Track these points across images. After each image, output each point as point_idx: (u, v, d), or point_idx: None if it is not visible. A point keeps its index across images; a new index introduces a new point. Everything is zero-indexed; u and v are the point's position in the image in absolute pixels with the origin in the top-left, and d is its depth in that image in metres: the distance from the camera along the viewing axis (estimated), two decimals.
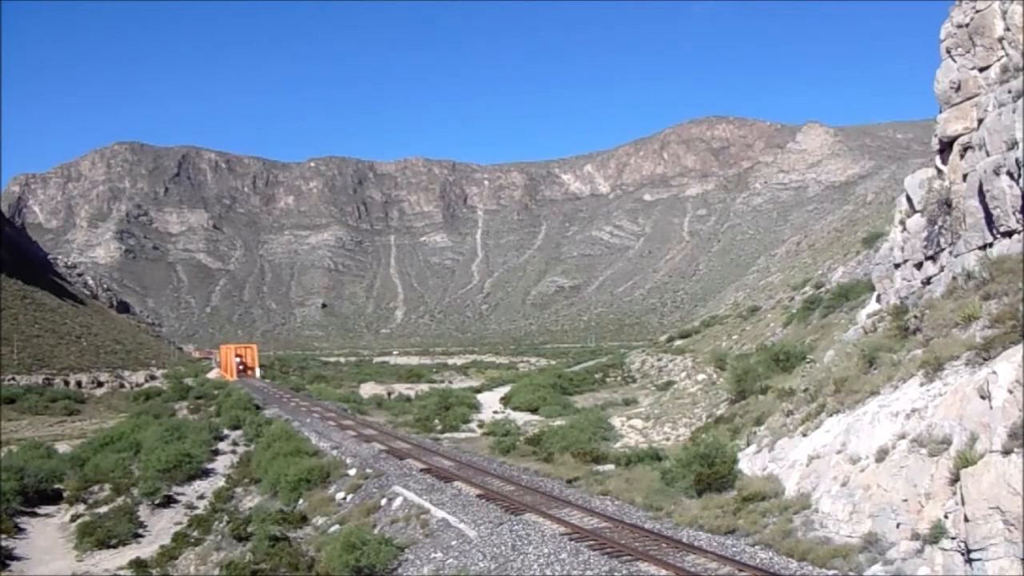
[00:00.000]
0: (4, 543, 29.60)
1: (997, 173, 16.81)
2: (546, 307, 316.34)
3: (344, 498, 25.95)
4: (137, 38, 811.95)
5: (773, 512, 16.32)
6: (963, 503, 11.57)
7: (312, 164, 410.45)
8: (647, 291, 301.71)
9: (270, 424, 46.17)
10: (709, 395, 55.70)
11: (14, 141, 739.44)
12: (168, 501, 35.21)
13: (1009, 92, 17.29)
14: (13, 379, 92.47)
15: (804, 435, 18.33)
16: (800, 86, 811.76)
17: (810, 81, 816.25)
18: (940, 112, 20.24)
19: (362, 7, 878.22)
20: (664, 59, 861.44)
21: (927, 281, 20.66)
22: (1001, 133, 17.03)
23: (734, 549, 15.32)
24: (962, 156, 19.22)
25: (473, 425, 50.37)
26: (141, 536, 31.45)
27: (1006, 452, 11.33)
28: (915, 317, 18.84)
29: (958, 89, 19.52)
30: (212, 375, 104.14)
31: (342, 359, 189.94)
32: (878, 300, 24.40)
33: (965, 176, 18.69)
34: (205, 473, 39.66)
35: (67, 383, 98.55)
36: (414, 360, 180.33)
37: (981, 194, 17.47)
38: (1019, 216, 16.35)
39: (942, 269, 19.83)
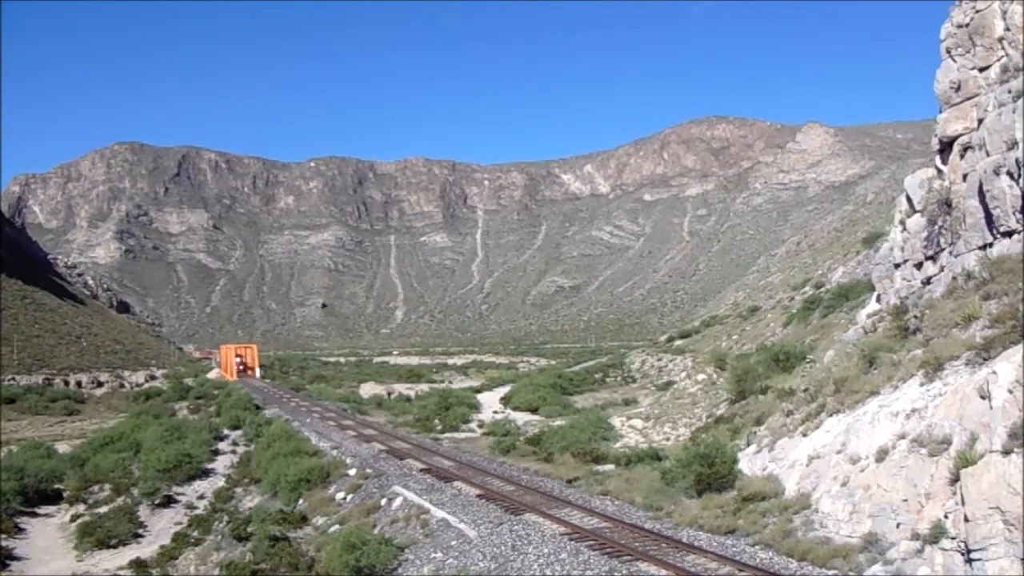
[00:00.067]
0: (4, 543, 29.60)
1: (997, 173, 16.80)
2: (546, 307, 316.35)
3: (344, 498, 25.94)
4: (137, 38, 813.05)
5: (773, 512, 16.32)
6: (963, 503, 11.57)
7: (312, 164, 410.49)
8: (647, 291, 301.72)
9: (270, 424, 46.17)
10: (709, 395, 55.70)
11: (14, 141, 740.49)
12: (168, 501, 35.21)
13: (1009, 92, 17.29)
14: (13, 379, 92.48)
15: (804, 435, 18.33)
16: (800, 86, 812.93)
17: (810, 81, 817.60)
18: (940, 112, 20.23)
19: (362, 7, 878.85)
20: (664, 59, 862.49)
21: (927, 281, 20.66)
22: (1001, 133, 17.03)
23: (734, 549, 15.32)
24: (962, 156, 19.21)
25: (473, 425, 50.37)
26: (141, 536, 31.45)
27: (1006, 452, 11.33)
28: (915, 317, 18.84)
29: (958, 89, 19.52)
30: (212, 375, 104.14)
31: (342, 359, 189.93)
32: (878, 300, 24.40)
33: (965, 176, 18.69)
34: (205, 473, 39.66)
35: (67, 383, 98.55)
36: (414, 360, 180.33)
37: (981, 194, 17.47)
38: (1019, 216, 16.34)
39: (942, 269, 19.83)
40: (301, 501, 27.60)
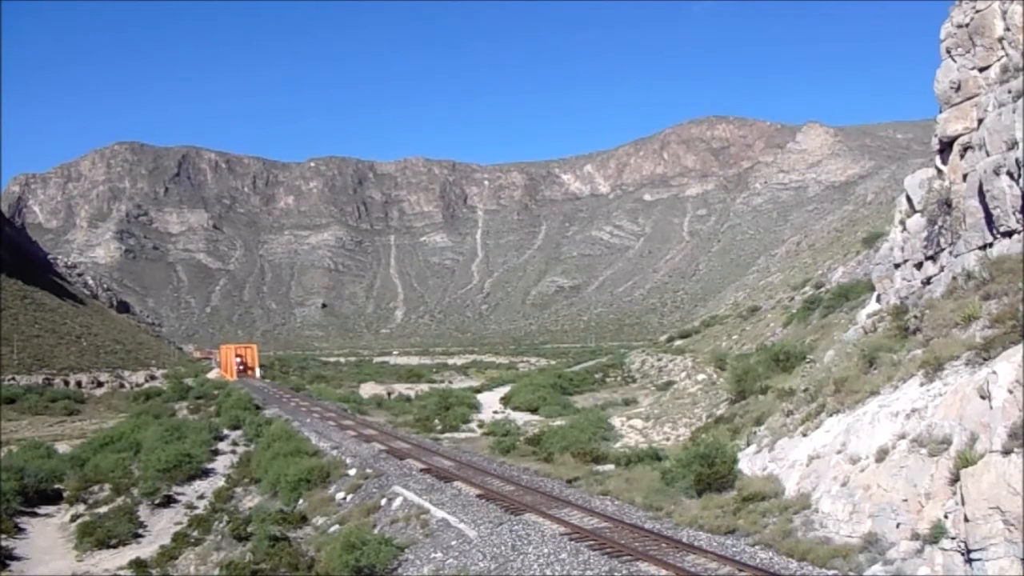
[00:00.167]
0: (4, 543, 29.59)
1: (997, 173, 16.80)
2: (546, 307, 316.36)
3: (344, 498, 25.94)
4: (137, 38, 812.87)
5: (773, 512, 16.32)
6: (963, 503, 11.57)
7: (312, 164, 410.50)
8: (647, 291, 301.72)
9: (270, 424, 46.17)
10: (709, 395, 55.70)
11: (14, 141, 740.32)
12: (168, 501, 35.21)
13: (1009, 92, 17.29)
14: (13, 379, 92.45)
15: (804, 435, 18.33)
16: (800, 86, 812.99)
17: (810, 81, 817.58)
18: (940, 112, 20.23)
19: (362, 7, 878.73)
20: (664, 59, 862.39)
21: (927, 281, 20.66)
22: (1001, 133, 17.03)
23: (734, 549, 15.32)
24: (962, 156, 19.21)
25: (473, 425, 50.37)
26: (141, 536, 31.44)
27: (1006, 452, 11.33)
28: (915, 317, 18.84)
29: (958, 89, 19.52)
30: (212, 375, 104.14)
31: (342, 359, 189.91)
32: (878, 300, 24.40)
33: (965, 176, 18.69)
34: (205, 473, 39.66)
35: (67, 383, 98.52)
36: (414, 360, 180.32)
37: (981, 194, 17.47)
38: (1019, 216, 16.34)
39: (942, 269, 19.83)
40: (301, 501, 27.60)
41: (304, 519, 24.98)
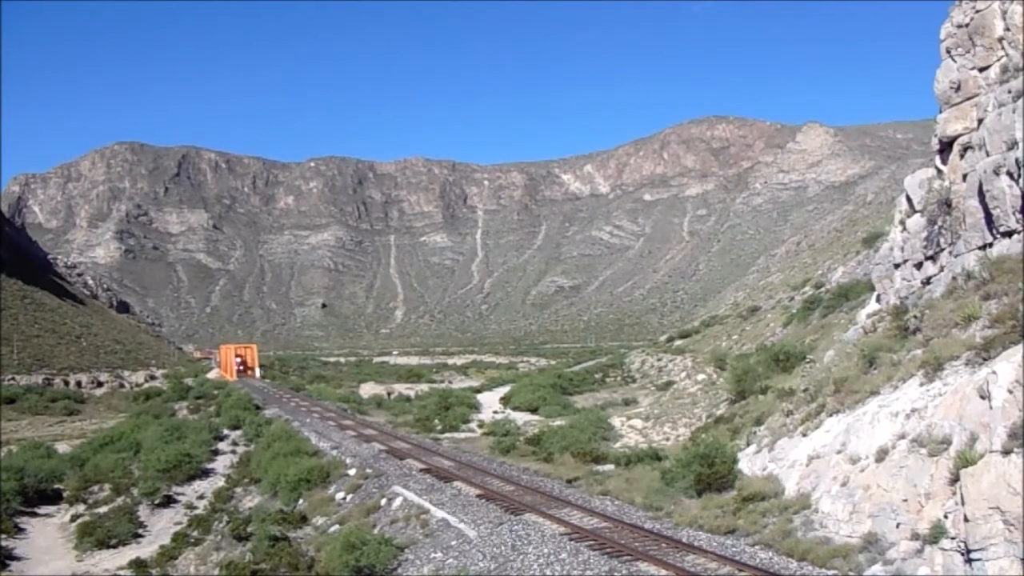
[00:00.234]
0: (4, 543, 29.59)
1: (997, 173, 16.80)
2: (546, 307, 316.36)
3: (344, 498, 25.94)
4: (137, 38, 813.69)
5: (773, 512, 16.32)
6: (963, 503, 11.57)
7: (312, 164, 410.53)
8: (647, 291, 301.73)
9: (270, 424, 46.16)
10: (709, 395, 55.69)
11: (14, 141, 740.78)
12: (168, 501, 35.20)
13: (1009, 92, 17.29)
14: (13, 379, 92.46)
15: (804, 435, 18.33)
16: (800, 86, 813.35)
17: (810, 81, 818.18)
18: (940, 112, 20.23)
19: (362, 7, 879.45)
20: (664, 59, 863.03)
21: (927, 281, 20.66)
22: (1001, 133, 17.03)
23: (734, 549, 15.32)
24: (962, 156, 19.21)
25: (473, 425, 50.36)
26: (141, 536, 31.44)
27: (1006, 452, 11.33)
28: (915, 317, 18.83)
29: (958, 89, 19.52)
30: (212, 375, 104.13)
31: (342, 359, 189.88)
32: (878, 300, 24.39)
33: (965, 176, 18.68)
34: (205, 473, 39.65)
35: (67, 383, 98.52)
36: (414, 360, 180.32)
37: (981, 194, 17.47)
38: (1019, 216, 16.34)
39: (942, 269, 19.82)
40: (301, 501, 27.59)
41: (304, 519, 24.98)
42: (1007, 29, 18.16)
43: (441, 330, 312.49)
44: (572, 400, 68.63)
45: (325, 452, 34.03)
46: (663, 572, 14.40)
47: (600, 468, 27.06)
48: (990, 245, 17.38)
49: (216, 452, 44.67)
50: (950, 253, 19.32)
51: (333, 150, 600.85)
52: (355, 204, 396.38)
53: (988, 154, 17.39)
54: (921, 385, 15.14)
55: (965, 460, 11.91)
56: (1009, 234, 16.68)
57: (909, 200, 22.26)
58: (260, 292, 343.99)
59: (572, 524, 18.08)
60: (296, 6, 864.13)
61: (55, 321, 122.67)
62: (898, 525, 13.14)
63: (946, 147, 20.12)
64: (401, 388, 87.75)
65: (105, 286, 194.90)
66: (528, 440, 37.10)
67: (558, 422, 49.88)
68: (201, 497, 35.81)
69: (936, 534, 12.14)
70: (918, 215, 21.59)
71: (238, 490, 34.69)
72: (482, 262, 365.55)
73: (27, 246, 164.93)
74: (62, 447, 51.27)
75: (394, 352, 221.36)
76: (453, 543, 17.99)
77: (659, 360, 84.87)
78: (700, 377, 64.81)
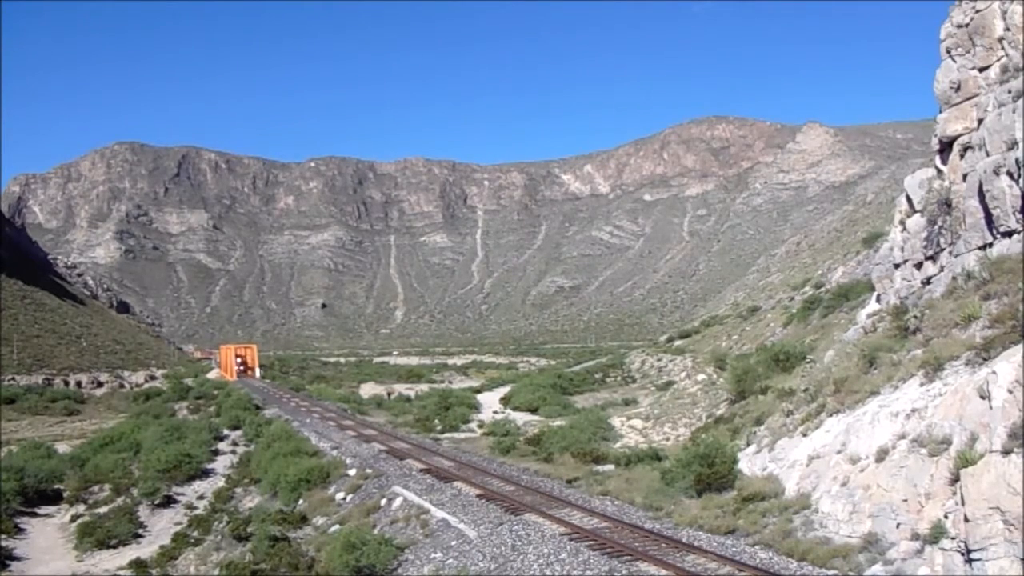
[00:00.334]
0: (4, 543, 29.58)
1: (997, 173, 16.80)
2: (546, 307, 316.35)
3: (344, 498, 25.94)
4: (137, 38, 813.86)
5: (773, 512, 16.31)
6: (963, 503, 11.57)
7: (312, 164, 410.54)
8: (647, 291, 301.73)
9: (270, 424, 46.17)
10: (709, 395, 55.69)
11: (14, 141, 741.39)
12: (168, 501, 35.19)
13: (1009, 92, 17.29)
14: (13, 379, 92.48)
15: (804, 435, 18.33)
16: (800, 86, 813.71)
17: (810, 81, 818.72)
18: (940, 112, 20.23)
19: (362, 7, 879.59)
20: (664, 59, 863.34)
21: (927, 281, 20.66)
22: (1001, 133, 17.02)
23: (734, 549, 15.32)
24: (962, 156, 19.21)
25: (473, 425, 50.35)
26: (141, 536, 31.42)
27: (1006, 452, 11.32)
28: (915, 317, 18.83)
29: (958, 89, 19.52)
30: (212, 375, 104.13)
31: (342, 359, 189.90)
32: (878, 300, 24.39)
33: (965, 176, 18.68)
34: (205, 473, 39.63)
35: (67, 383, 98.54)
36: (414, 360, 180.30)
37: (981, 194, 17.47)
38: (1019, 216, 16.34)
39: (942, 269, 19.82)
40: (301, 501, 27.59)
41: (304, 519, 24.98)
42: (1007, 29, 18.16)
43: (441, 330, 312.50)
44: (572, 400, 68.62)
45: (325, 452, 34.03)
46: (663, 572, 14.40)
47: (600, 468, 27.05)
48: (990, 245, 17.38)
49: (216, 452, 44.66)
50: (950, 253, 19.32)
51: (333, 150, 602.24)
52: (355, 204, 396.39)
53: (988, 154, 17.39)
54: (921, 385, 15.14)
55: (965, 460, 11.91)
56: (1009, 234, 16.68)
57: (909, 200, 22.26)
58: (260, 292, 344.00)
59: (572, 524, 18.08)
60: (296, 6, 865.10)
61: (55, 321, 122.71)
62: (898, 525, 13.14)
63: (946, 147, 20.11)
64: (401, 388, 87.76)
65: (105, 286, 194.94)
66: (528, 440, 37.09)
67: (558, 422, 49.88)
68: (201, 497, 35.80)
69: (936, 534, 12.14)
70: (918, 215, 21.59)
71: (238, 490, 34.68)
72: (482, 262, 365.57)
73: (27, 246, 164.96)
74: (62, 447, 51.25)
75: (394, 352, 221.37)
76: (453, 543, 17.99)
77: (659, 360, 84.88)
78: (700, 377, 64.81)
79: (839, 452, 15.84)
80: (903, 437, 14.10)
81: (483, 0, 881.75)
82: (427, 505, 21.43)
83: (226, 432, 50.39)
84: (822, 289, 66.77)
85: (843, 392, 18.08)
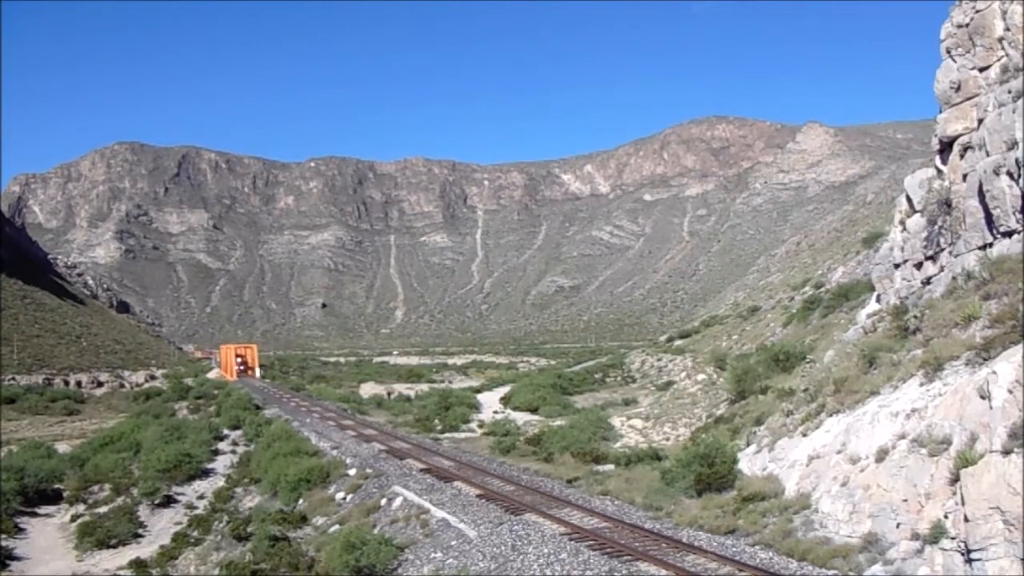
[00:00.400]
0: (4, 543, 29.59)
1: (997, 173, 16.80)
2: (546, 307, 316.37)
3: (344, 498, 25.94)
4: (137, 38, 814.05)
5: (773, 512, 16.31)
6: (963, 503, 11.57)
7: (312, 164, 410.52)
8: (647, 291, 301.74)
9: (270, 424, 46.17)
10: (709, 395, 55.70)
11: (14, 141, 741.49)
12: (168, 501, 35.19)
13: (1009, 92, 17.29)
14: (13, 379, 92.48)
15: (804, 435, 18.33)
16: (800, 86, 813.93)
17: (810, 81, 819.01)
18: (940, 112, 20.23)
19: (362, 7, 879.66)
20: (664, 59, 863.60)
21: (927, 281, 20.66)
22: (1001, 133, 17.02)
23: (734, 549, 15.32)
24: (962, 156, 19.21)
25: (473, 425, 50.37)
26: (141, 536, 31.43)
27: (1006, 452, 11.32)
28: (915, 317, 18.83)
29: (958, 89, 19.52)
30: (212, 375, 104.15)
31: (342, 359, 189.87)
32: (878, 300, 24.39)
33: (965, 176, 18.68)
34: (205, 473, 39.64)
35: (67, 383, 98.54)
36: (414, 360, 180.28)
37: (981, 194, 17.47)
38: (1019, 216, 16.34)
39: (942, 269, 19.82)
40: (301, 501, 27.59)
41: (304, 519, 24.98)
42: (1007, 29, 18.16)
43: (441, 330, 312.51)
44: (572, 400, 68.64)
45: (325, 452, 34.03)
46: (663, 572, 14.40)
47: (600, 468, 27.06)
48: (990, 245, 17.38)
49: (216, 452, 44.66)
50: (950, 253, 19.32)
51: (333, 150, 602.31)
52: (355, 204, 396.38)
53: (988, 154, 17.39)
54: (921, 385, 15.14)
55: (965, 460, 11.91)
56: (1009, 234, 16.68)
57: (909, 200, 22.26)
58: (260, 292, 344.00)
59: (572, 524, 18.08)
60: (296, 6, 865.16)
61: (55, 321, 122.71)
62: (898, 525, 13.14)
63: (946, 147, 20.12)
64: (401, 388, 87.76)
65: (105, 286, 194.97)
66: (528, 440, 37.11)
67: (558, 422, 49.89)
68: (201, 497, 35.80)
69: (936, 534, 12.14)
70: (918, 215, 21.59)
71: (238, 490, 34.69)
72: (482, 262, 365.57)
73: (27, 246, 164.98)
74: (62, 447, 51.25)
75: (394, 352, 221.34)
76: (453, 543, 17.99)
77: (659, 360, 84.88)
78: (700, 377, 64.82)
79: (839, 452, 15.83)
80: (903, 437, 14.10)
81: (483, 0, 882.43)
82: (427, 505, 21.43)
83: (226, 432, 50.39)
84: (822, 289, 66.77)
85: (843, 392, 18.08)
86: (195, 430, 47.97)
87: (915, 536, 12.65)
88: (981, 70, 18.93)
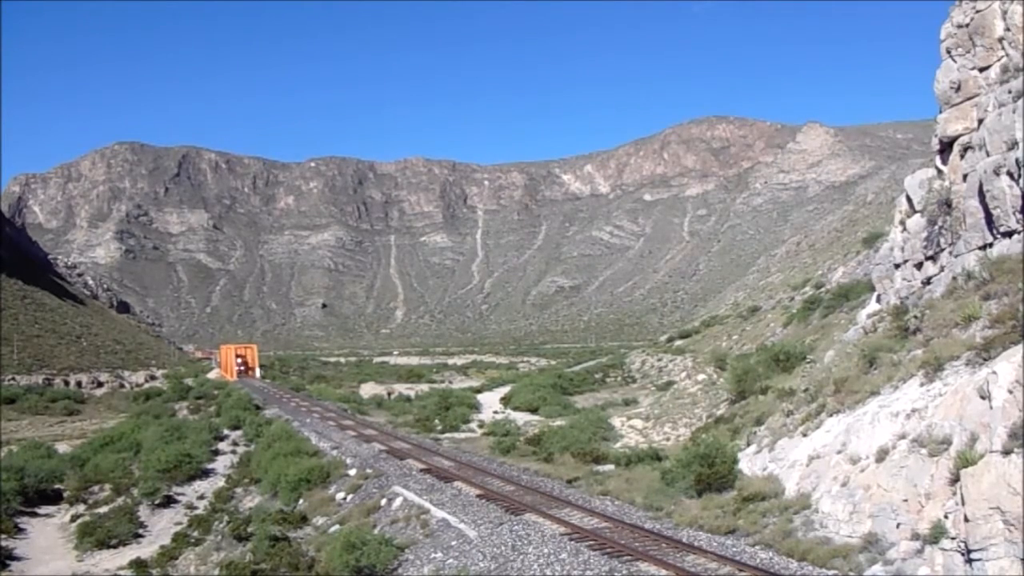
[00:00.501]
0: (4, 543, 29.59)
1: (997, 173, 16.80)
2: (546, 307, 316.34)
3: (344, 498, 25.94)
4: (137, 38, 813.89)
5: (773, 512, 16.32)
6: (963, 503, 11.57)
7: (312, 164, 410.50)
8: (647, 291, 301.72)
9: (270, 424, 46.16)
10: (709, 395, 55.71)
11: (14, 141, 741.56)
12: (168, 501, 35.19)
13: (1009, 92, 17.29)
14: (13, 379, 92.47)
15: (804, 435, 18.33)
16: (800, 86, 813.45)
17: (810, 81, 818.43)
18: (940, 112, 20.23)
19: (362, 7, 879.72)
20: (664, 59, 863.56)
21: (927, 281, 20.66)
22: (1001, 133, 17.03)
23: (734, 549, 15.32)
24: (962, 156, 19.21)
25: (473, 425, 50.37)
26: (141, 536, 31.42)
27: (1006, 452, 11.33)
28: (915, 317, 18.83)
29: (958, 89, 19.52)
30: (212, 375, 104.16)
31: (342, 359, 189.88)
32: (878, 300, 24.39)
33: (965, 176, 18.69)
34: (205, 473, 39.63)
35: (67, 383, 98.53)
36: (414, 360, 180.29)
37: (981, 194, 17.47)
38: (1019, 216, 16.34)
39: (942, 269, 19.82)
40: (301, 501, 27.59)
41: (304, 519, 24.98)
42: (1007, 29, 18.17)
43: (441, 330, 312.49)
44: (572, 400, 68.66)
45: (325, 452, 34.03)
46: (663, 572, 14.40)
47: (600, 468, 27.06)
48: (990, 245, 17.38)
49: (216, 452, 44.66)
50: (950, 253, 19.33)
51: (333, 150, 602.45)
52: (355, 204, 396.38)
53: (988, 154, 17.39)
54: (921, 385, 15.14)
55: (965, 460, 11.91)
56: (1009, 234, 16.68)
57: (909, 200, 22.26)
58: (260, 292, 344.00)
59: (572, 524, 18.08)
60: (296, 6, 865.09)
61: (55, 321, 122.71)
62: (898, 525, 13.14)
63: (946, 147, 20.12)
64: (401, 388, 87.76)
65: (105, 286, 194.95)
66: (528, 440, 37.11)
67: (558, 422, 49.90)
68: (201, 497, 35.80)
69: (936, 534, 12.14)
70: (918, 215, 21.60)
71: (238, 490, 34.69)
72: (482, 262, 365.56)
73: (27, 246, 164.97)
74: (62, 447, 51.25)
75: (394, 352, 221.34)
76: (453, 543, 17.99)
77: (659, 360, 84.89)
78: (700, 377, 64.82)
79: (839, 452, 15.84)
80: (903, 437, 14.10)
81: (483, 0, 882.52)
82: (427, 505, 21.43)
83: (226, 432, 50.39)
84: (822, 289, 66.77)
85: (843, 392, 18.08)
86: (195, 430, 47.97)
87: (915, 536, 12.65)
88: (981, 70, 18.94)
